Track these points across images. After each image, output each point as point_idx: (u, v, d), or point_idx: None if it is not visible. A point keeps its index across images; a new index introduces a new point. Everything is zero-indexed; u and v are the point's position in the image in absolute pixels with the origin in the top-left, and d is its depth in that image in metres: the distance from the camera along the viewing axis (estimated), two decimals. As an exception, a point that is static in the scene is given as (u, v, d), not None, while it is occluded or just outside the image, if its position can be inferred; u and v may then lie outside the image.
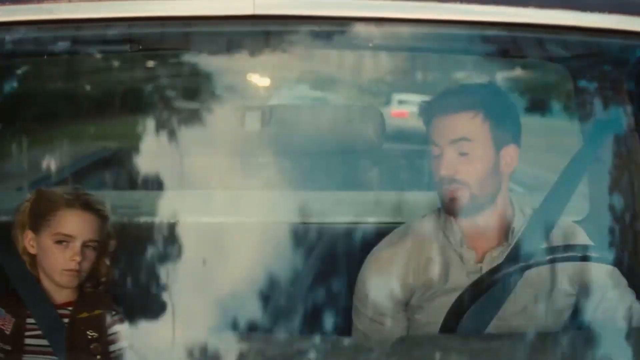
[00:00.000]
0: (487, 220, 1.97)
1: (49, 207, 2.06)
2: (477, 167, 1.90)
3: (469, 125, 1.89)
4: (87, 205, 2.06)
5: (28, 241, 2.06)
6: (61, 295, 2.07)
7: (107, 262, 2.13)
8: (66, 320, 2.05)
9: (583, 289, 1.98)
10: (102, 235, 2.08)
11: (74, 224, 2.04)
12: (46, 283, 2.06)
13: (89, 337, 2.06)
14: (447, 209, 1.95)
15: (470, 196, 1.90)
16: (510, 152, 1.93)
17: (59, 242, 2.02)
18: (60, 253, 2.02)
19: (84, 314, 2.08)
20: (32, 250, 2.06)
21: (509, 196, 2.01)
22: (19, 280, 2.06)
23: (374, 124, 2.53)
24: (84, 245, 2.03)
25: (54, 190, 2.13)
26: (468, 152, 1.89)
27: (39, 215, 2.06)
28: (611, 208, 2.34)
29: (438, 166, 1.91)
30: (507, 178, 1.96)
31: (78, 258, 2.01)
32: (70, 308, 2.07)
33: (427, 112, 1.95)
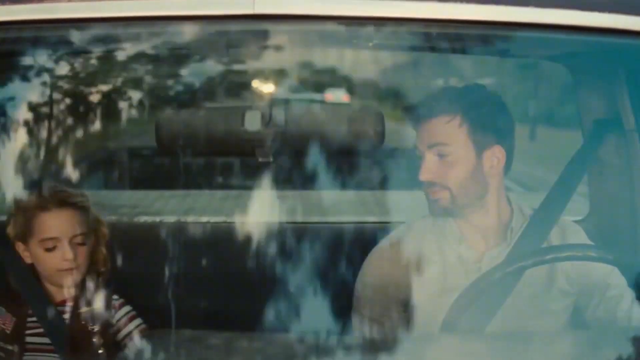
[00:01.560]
0: (484, 220, 1.97)
1: (27, 216, 2.05)
2: (456, 170, 1.92)
3: (445, 130, 1.91)
4: (63, 202, 2.05)
5: (22, 252, 2.06)
6: (61, 292, 2.07)
7: (104, 251, 2.12)
8: (67, 316, 2.05)
9: (582, 289, 1.98)
10: (88, 226, 2.07)
11: (55, 226, 2.03)
12: (46, 283, 2.06)
13: (91, 330, 2.06)
14: (431, 210, 1.97)
15: (451, 198, 1.92)
16: (495, 154, 1.93)
17: (47, 247, 2.02)
18: (51, 257, 2.02)
19: (85, 308, 2.07)
20: (28, 260, 2.06)
21: (508, 196, 2.01)
22: (19, 279, 2.06)
23: (374, 123, 2.52)
24: (72, 242, 2.03)
25: (28, 198, 2.11)
26: (446, 155, 1.91)
27: (22, 226, 2.05)
28: (611, 208, 2.33)
29: (420, 170, 1.94)
30: (498, 178, 1.96)
31: (70, 256, 2.01)
32: (70, 304, 2.07)
33: (411, 117, 1.97)
